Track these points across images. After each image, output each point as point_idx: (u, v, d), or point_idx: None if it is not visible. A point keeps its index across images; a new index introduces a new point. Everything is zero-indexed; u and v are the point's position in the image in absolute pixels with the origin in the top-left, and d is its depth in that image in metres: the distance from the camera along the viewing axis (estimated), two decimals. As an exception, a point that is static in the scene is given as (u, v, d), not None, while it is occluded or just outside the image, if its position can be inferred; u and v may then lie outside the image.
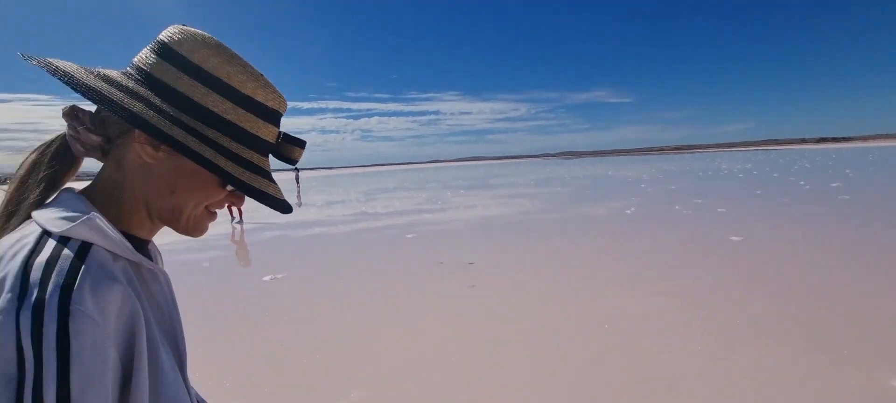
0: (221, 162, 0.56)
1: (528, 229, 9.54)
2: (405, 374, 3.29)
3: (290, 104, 0.68)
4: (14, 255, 0.47)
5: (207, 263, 7.39)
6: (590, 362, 3.34)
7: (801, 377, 2.99)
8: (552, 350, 3.57)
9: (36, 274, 0.45)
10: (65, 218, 0.51)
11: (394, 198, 19.82)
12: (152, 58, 0.57)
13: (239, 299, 5.34)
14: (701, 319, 4.03)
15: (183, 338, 0.62)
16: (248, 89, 0.58)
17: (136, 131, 0.55)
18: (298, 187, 28.56)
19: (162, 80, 0.56)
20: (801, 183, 16.90)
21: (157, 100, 0.55)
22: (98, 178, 0.59)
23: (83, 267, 0.47)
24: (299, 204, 18.14)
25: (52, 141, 0.60)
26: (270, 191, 0.60)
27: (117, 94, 0.53)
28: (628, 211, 11.34)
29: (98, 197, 0.58)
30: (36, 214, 0.52)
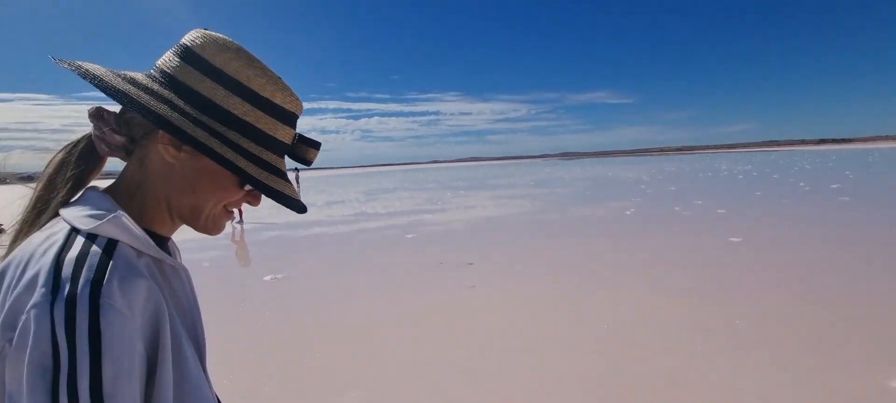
0: (242, 163, 0.58)
1: (528, 230, 9.55)
2: (405, 374, 3.30)
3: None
4: (45, 252, 0.49)
5: (208, 263, 7.40)
6: (590, 362, 3.36)
7: (801, 377, 3.01)
8: (552, 350, 3.58)
9: (67, 269, 0.47)
10: (92, 216, 0.53)
11: (394, 199, 19.84)
12: (176, 61, 0.59)
13: (239, 299, 5.36)
14: (701, 319, 4.05)
15: (203, 333, 0.65)
16: (267, 92, 0.60)
17: (160, 132, 0.57)
18: (298, 187, 28.57)
19: (185, 83, 0.58)
20: (801, 184, 16.91)
21: (180, 103, 0.57)
22: (121, 177, 0.61)
23: (111, 262, 0.49)
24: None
25: (79, 140, 0.62)
26: (287, 191, 0.62)
27: (144, 97, 0.55)
28: (628, 212, 11.35)
29: (121, 195, 0.60)
30: (64, 212, 0.54)
